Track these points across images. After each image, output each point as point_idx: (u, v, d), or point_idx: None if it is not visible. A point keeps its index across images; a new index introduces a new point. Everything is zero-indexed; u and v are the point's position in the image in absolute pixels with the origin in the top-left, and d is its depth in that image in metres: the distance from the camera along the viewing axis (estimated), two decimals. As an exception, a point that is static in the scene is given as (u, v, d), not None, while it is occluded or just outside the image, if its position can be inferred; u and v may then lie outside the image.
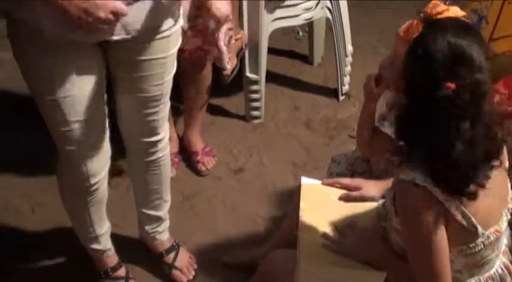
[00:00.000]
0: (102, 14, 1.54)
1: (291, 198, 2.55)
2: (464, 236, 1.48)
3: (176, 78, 2.71)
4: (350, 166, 2.16)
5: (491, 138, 1.45)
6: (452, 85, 1.35)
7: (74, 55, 1.70)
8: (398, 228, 1.57)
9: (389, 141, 2.00)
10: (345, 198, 1.87)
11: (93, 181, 1.97)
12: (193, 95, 2.79)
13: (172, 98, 2.83)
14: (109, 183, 2.69)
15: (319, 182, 1.95)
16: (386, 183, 1.76)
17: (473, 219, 1.45)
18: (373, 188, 1.88)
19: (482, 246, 1.51)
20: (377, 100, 1.98)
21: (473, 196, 1.42)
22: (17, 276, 2.36)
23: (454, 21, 1.44)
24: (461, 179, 1.40)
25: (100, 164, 1.96)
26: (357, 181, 1.92)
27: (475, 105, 1.38)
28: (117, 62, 1.84)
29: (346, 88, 3.28)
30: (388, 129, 1.97)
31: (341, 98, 3.27)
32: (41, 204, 2.64)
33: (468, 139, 1.39)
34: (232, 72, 2.80)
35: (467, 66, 1.37)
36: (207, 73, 2.74)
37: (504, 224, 1.54)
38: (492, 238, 1.51)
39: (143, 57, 1.81)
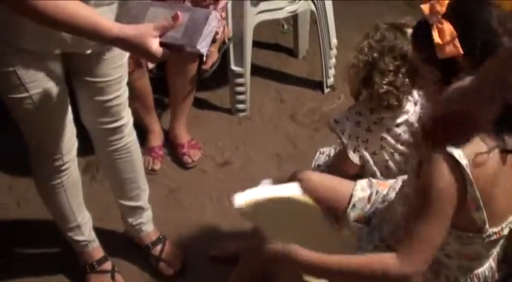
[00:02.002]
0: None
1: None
2: (470, 225, 1.48)
3: (162, 70, 2.74)
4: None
5: None
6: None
7: (38, 55, 1.73)
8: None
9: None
10: None
11: (66, 159, 1.99)
12: (179, 86, 2.79)
13: (157, 91, 2.86)
14: (94, 178, 2.72)
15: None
16: None
17: (485, 216, 1.45)
18: None
19: (481, 241, 1.51)
20: None
21: None
22: (2, 270, 2.35)
23: None
24: None
25: (69, 143, 1.98)
26: None
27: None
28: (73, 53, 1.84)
29: (331, 81, 3.28)
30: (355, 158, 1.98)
31: (326, 90, 3.27)
32: (26, 198, 2.62)
33: None
34: (211, 66, 2.81)
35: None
36: (194, 63, 2.74)
37: (506, 230, 1.53)
38: (492, 238, 1.52)
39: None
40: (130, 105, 2.11)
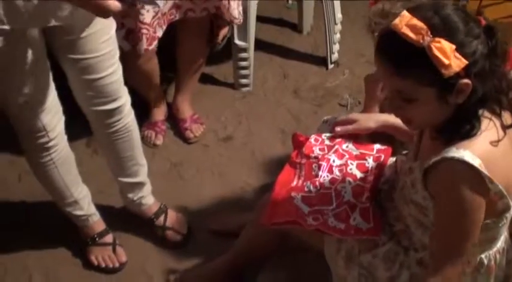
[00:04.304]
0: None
1: (279, 165, 2.56)
2: (496, 212, 1.49)
3: (170, 46, 2.71)
4: None
5: None
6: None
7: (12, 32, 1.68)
8: (418, 201, 1.55)
9: None
10: (343, 132, 1.94)
11: (51, 136, 1.97)
12: (189, 61, 2.78)
13: (164, 67, 2.83)
14: (96, 151, 2.72)
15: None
16: (380, 115, 1.91)
17: (509, 200, 1.46)
18: (368, 119, 1.93)
19: (504, 222, 1.53)
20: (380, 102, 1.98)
21: None
22: (3, 244, 2.36)
23: None
24: None
25: (54, 120, 1.96)
26: (353, 115, 1.99)
27: None
28: (57, 28, 1.78)
29: (335, 56, 3.25)
30: None
31: (330, 66, 3.25)
32: (27, 171, 2.61)
33: None
34: (223, 39, 2.79)
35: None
36: (204, 39, 2.73)
37: None
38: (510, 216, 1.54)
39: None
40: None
